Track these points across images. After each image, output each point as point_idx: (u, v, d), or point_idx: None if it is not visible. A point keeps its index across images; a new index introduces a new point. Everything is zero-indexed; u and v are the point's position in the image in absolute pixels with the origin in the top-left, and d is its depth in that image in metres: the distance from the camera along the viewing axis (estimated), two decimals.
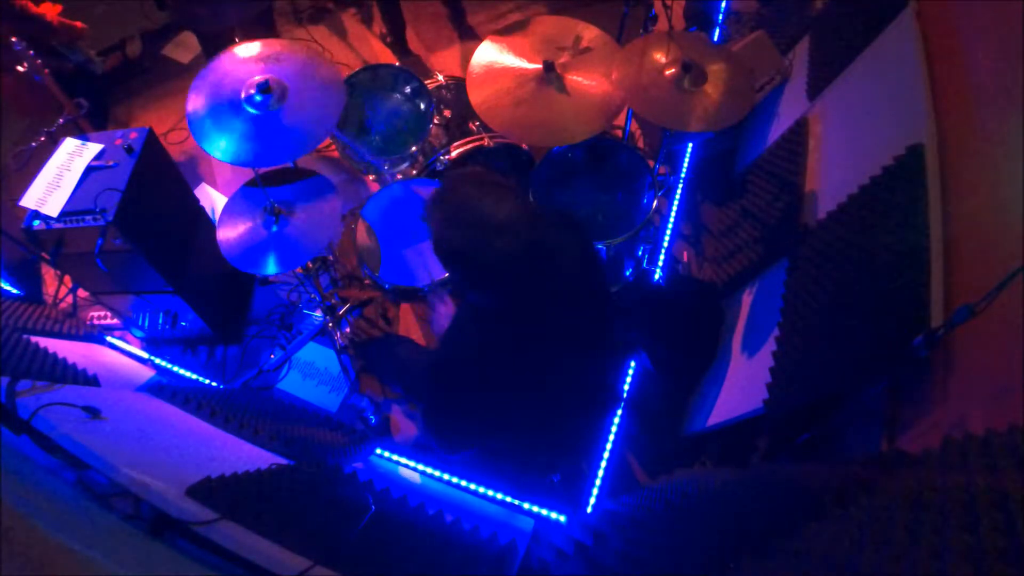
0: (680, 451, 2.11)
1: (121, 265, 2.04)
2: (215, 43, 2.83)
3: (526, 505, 1.96)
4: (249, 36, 2.84)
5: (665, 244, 2.60)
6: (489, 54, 1.96)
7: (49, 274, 2.76)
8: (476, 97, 1.88)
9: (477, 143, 2.29)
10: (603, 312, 1.50)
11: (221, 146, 1.71)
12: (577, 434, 1.74)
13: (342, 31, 3.66)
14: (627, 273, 2.51)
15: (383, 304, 2.58)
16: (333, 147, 3.01)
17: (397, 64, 2.92)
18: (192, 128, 1.72)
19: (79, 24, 2.71)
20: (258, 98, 1.75)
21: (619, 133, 2.63)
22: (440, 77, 2.57)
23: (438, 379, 1.42)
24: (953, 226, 1.30)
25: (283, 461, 1.70)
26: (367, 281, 2.20)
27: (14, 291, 2.55)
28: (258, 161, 1.74)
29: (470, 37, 3.55)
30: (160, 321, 2.44)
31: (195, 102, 1.76)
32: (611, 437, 2.16)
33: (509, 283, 1.21)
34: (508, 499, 1.97)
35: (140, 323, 2.47)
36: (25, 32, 2.23)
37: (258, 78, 1.77)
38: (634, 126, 2.96)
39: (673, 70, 1.85)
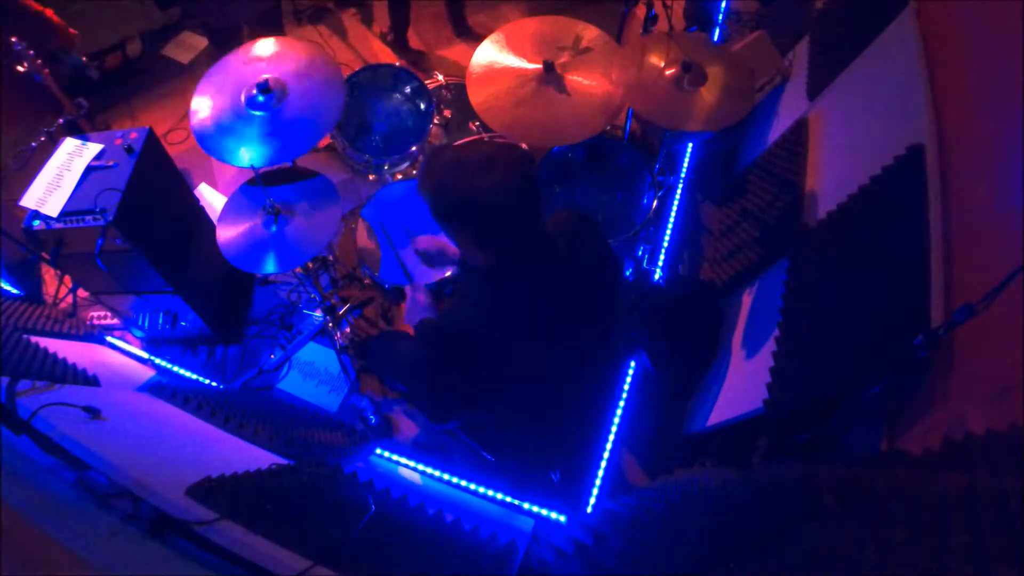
0: (680, 451, 2.11)
1: (121, 265, 2.04)
2: (223, 38, 2.83)
3: (526, 505, 1.96)
4: (257, 32, 2.87)
5: (665, 244, 2.60)
6: (489, 54, 1.96)
7: (49, 274, 2.76)
8: (476, 97, 1.88)
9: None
10: (612, 305, 1.50)
11: (233, 152, 1.73)
12: (577, 428, 1.74)
13: (342, 31, 3.67)
14: (627, 273, 2.51)
15: (383, 304, 2.58)
16: (334, 147, 3.01)
17: (397, 64, 2.92)
18: (200, 140, 1.74)
19: (73, 31, 2.70)
20: (260, 98, 1.76)
21: (619, 133, 2.63)
22: (440, 77, 2.57)
23: (438, 349, 1.40)
24: (953, 226, 1.30)
25: (283, 461, 1.70)
26: (367, 281, 2.20)
27: (14, 291, 2.55)
28: (263, 161, 1.74)
29: (470, 37, 3.55)
30: (160, 321, 2.44)
31: (201, 112, 1.76)
32: (611, 437, 2.16)
33: (510, 225, 1.22)
34: (508, 499, 1.97)
35: (140, 323, 2.47)
36: (27, 31, 2.23)
37: (260, 77, 1.78)
38: (634, 126, 2.96)
39: (673, 70, 1.86)
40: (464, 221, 1.24)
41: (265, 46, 1.90)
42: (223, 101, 1.79)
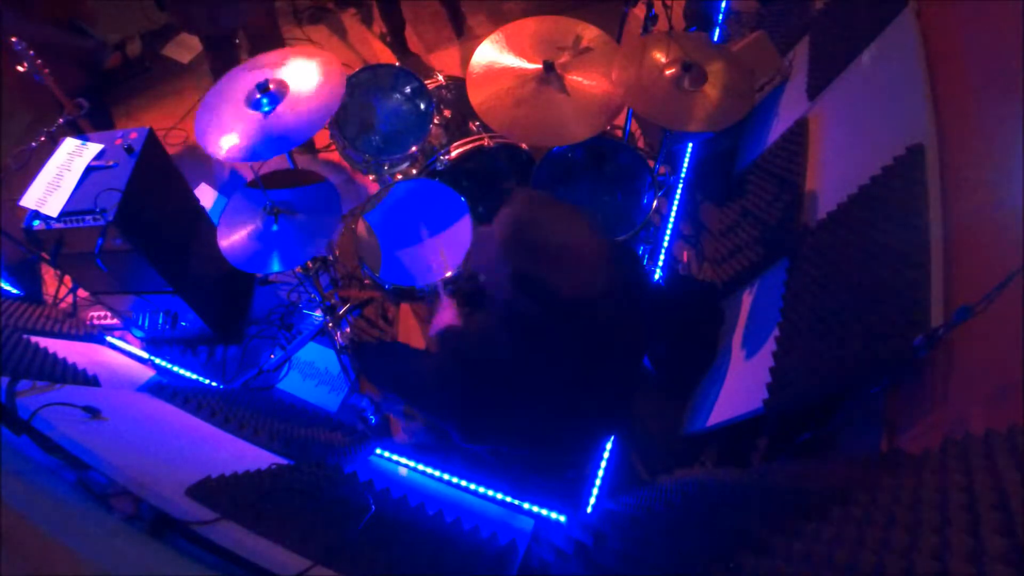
0: (680, 451, 2.11)
1: (121, 265, 2.04)
2: (218, 45, 2.82)
3: (526, 505, 1.96)
4: (251, 38, 2.86)
5: (665, 244, 2.60)
6: (489, 54, 1.96)
7: (49, 274, 2.76)
8: (476, 97, 1.87)
9: (477, 143, 2.29)
10: (636, 328, 1.52)
11: (226, 146, 1.72)
12: (593, 437, 1.74)
13: (342, 31, 3.67)
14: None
15: (383, 304, 2.58)
16: (333, 147, 3.01)
17: (397, 64, 2.92)
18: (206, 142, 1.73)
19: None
20: (266, 104, 1.76)
21: (619, 133, 2.63)
22: (440, 77, 2.57)
23: (464, 378, 1.44)
24: (953, 226, 1.30)
25: (283, 461, 1.70)
26: (367, 281, 2.20)
27: (14, 291, 2.55)
28: (258, 155, 1.73)
29: (470, 37, 3.55)
30: (160, 321, 2.44)
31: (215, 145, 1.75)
32: (611, 438, 2.16)
33: (568, 302, 1.26)
34: (508, 499, 1.97)
35: (140, 323, 2.47)
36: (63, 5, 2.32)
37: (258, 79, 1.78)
38: (634, 126, 2.96)
39: (673, 70, 1.85)
40: (535, 293, 1.28)
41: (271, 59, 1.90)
42: (228, 113, 1.79)
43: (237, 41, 2.90)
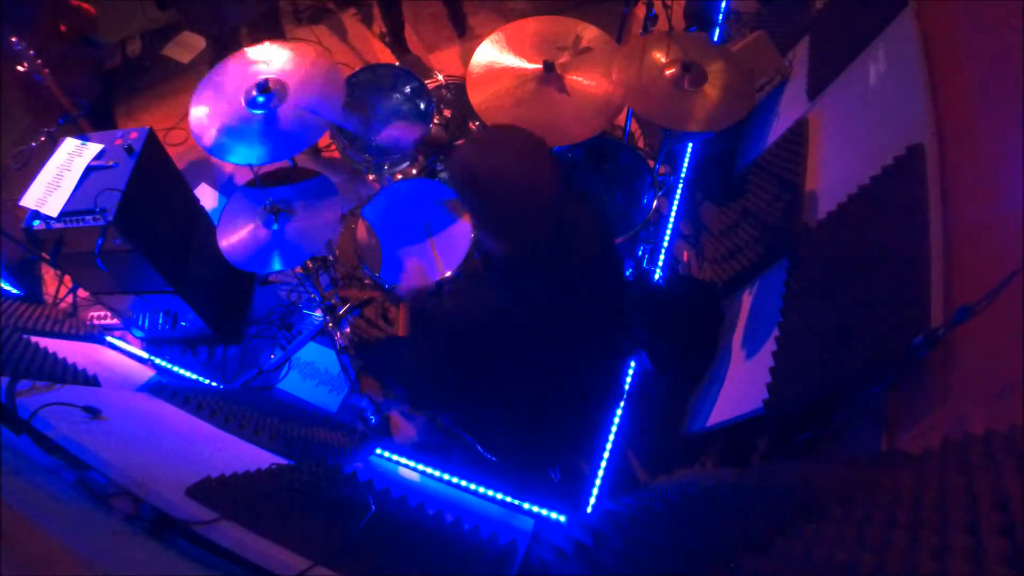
0: (680, 451, 2.11)
1: (121, 265, 2.04)
2: (221, 42, 2.83)
3: (526, 505, 1.96)
4: (254, 35, 2.87)
5: (665, 244, 2.60)
6: (489, 54, 1.96)
7: (49, 274, 2.76)
8: (476, 97, 1.87)
9: None
10: (614, 302, 1.51)
11: (232, 152, 1.73)
12: (578, 428, 1.74)
13: (342, 31, 3.67)
14: (627, 273, 2.50)
15: (383, 304, 2.58)
16: (333, 147, 3.01)
17: (397, 64, 2.92)
18: (205, 145, 1.75)
19: (90, 8, 2.72)
20: (260, 99, 1.76)
21: (619, 133, 2.63)
22: (440, 77, 2.57)
23: (445, 350, 1.43)
24: (953, 226, 1.30)
25: (283, 461, 1.70)
26: (367, 281, 2.20)
27: (14, 291, 2.55)
28: (261, 159, 1.74)
29: (470, 37, 3.55)
30: (160, 321, 2.44)
31: (200, 118, 1.77)
32: (611, 437, 2.16)
33: (529, 219, 1.26)
34: (508, 499, 1.97)
35: (140, 323, 2.47)
36: (74, 25, 2.44)
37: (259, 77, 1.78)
38: (634, 126, 2.96)
39: (673, 70, 1.86)
40: (475, 193, 1.29)
41: (264, 51, 1.90)
42: (223, 103, 1.79)
43: (242, 39, 2.91)
